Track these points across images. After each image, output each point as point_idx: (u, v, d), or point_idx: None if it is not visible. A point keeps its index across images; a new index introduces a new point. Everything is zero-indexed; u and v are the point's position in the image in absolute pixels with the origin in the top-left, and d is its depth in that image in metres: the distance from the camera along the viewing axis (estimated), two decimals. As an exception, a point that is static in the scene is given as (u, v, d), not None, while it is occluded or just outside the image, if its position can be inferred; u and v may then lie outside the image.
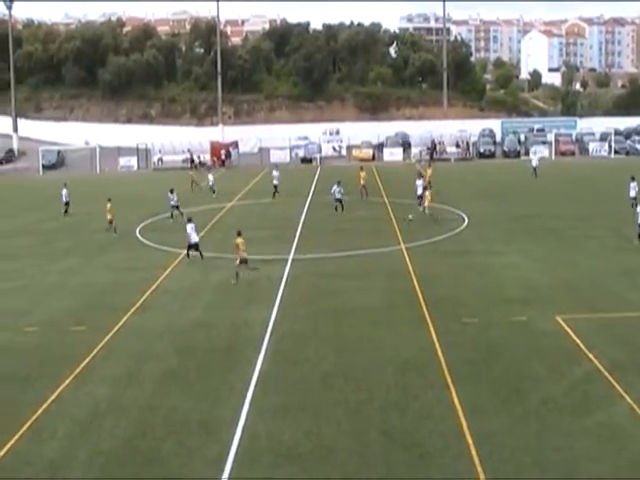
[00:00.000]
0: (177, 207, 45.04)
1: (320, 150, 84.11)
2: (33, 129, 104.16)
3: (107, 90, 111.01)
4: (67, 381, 20.47)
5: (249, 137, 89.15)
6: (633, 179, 43.47)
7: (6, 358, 22.86)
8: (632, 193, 42.81)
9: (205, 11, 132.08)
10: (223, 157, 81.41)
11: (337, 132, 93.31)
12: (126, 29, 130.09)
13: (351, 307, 26.60)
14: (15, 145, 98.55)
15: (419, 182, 46.26)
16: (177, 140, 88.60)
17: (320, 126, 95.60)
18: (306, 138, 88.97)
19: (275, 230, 40.93)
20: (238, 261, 30.28)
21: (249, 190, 58.17)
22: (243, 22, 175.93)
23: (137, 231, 43.00)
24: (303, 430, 17.13)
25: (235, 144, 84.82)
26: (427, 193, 43.44)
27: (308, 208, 47.57)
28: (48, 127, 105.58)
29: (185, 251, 34.85)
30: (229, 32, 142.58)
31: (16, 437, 17.26)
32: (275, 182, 52.03)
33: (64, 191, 49.48)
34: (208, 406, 18.63)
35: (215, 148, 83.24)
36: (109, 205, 42.11)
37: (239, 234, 30.55)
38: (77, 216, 48.01)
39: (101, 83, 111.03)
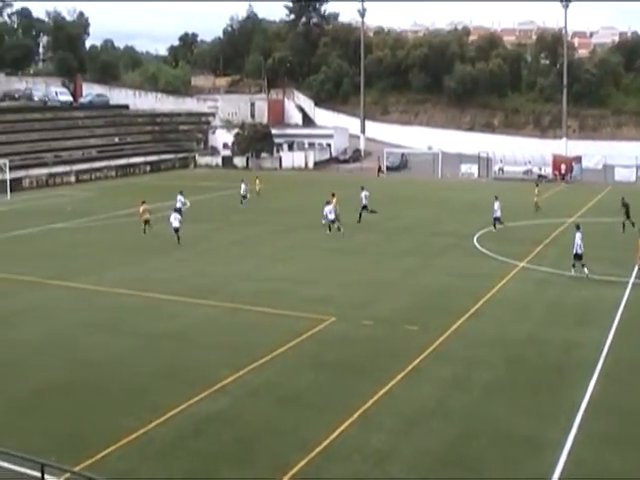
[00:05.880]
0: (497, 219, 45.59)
1: (668, 171, 79.40)
2: (379, 131, 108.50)
3: (452, 97, 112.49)
4: (398, 377, 21.18)
5: (593, 153, 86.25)
6: None
7: (344, 347, 24.17)
8: None
9: (552, 22, 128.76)
10: (563, 171, 79.61)
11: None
12: (472, 38, 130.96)
13: (697, 341, 24.93)
14: (362, 145, 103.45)
15: None
16: (519, 151, 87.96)
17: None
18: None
19: (617, 251, 39.15)
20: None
21: (590, 207, 56.32)
22: (592, 34, 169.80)
23: (475, 238, 43.36)
24: (632, 463, 16.44)
25: (578, 159, 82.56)
26: None
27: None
28: (393, 130, 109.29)
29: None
30: (576, 44, 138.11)
31: (347, 423, 18.24)
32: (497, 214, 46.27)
33: (179, 197, 50.48)
34: (535, 423, 18.39)
35: (557, 162, 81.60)
36: (143, 207, 44.72)
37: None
38: (417, 218, 49.12)
39: (446, 90, 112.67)
